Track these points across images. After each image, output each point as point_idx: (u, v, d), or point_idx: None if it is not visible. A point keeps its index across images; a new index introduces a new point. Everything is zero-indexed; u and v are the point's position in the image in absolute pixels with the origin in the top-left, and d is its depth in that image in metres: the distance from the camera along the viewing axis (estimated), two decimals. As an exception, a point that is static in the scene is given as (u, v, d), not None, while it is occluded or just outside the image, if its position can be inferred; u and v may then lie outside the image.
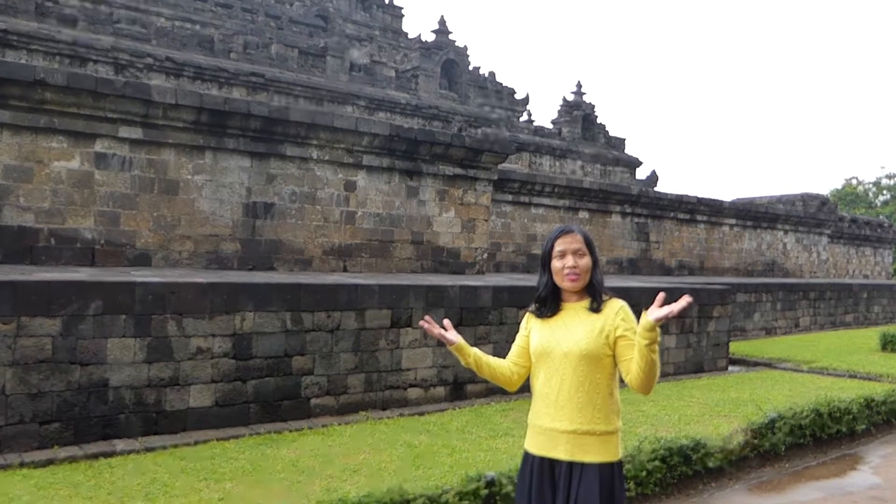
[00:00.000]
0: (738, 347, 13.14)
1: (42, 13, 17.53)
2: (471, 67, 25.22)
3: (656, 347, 2.57)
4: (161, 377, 6.18)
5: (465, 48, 24.71)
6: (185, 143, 9.05)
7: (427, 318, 2.93)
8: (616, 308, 2.78)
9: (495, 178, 12.48)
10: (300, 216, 10.07)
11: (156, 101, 8.60)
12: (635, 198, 17.31)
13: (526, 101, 27.36)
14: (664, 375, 9.78)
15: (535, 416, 2.84)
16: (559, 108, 26.05)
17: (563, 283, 2.81)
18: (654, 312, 2.53)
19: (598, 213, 16.67)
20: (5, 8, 16.91)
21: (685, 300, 2.45)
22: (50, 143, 8.23)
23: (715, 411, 7.59)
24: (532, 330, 2.92)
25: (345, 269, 10.49)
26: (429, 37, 24.96)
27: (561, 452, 2.72)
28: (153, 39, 18.62)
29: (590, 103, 26.16)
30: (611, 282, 10.67)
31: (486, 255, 12.26)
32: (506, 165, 15.26)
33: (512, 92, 26.99)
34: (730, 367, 11.54)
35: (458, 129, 17.65)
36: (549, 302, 2.87)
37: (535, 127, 24.63)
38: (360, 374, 7.39)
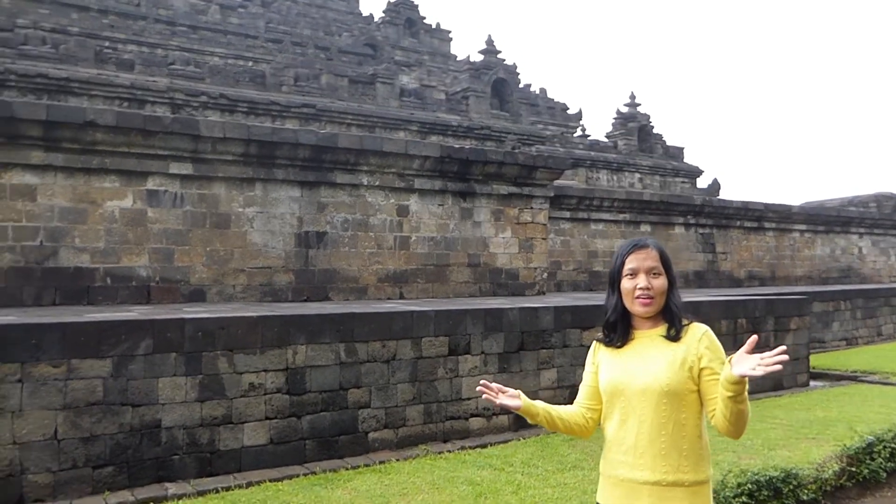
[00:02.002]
0: (817, 360, 12.34)
1: (101, 60, 18.08)
2: (521, 85, 24.95)
3: (743, 398, 2.18)
4: (214, 416, 6.01)
5: (515, 66, 24.44)
6: (235, 175, 9.01)
7: (483, 382, 2.54)
8: (698, 335, 2.38)
9: (551, 194, 12.11)
10: (353, 244, 9.91)
11: (204, 135, 8.59)
12: (698, 208, 16.66)
13: (579, 115, 26.93)
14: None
15: (609, 465, 2.43)
16: (613, 120, 25.50)
17: (634, 307, 2.43)
18: (741, 366, 2.11)
19: (661, 225, 16.08)
20: (66, 57, 17.50)
21: (780, 353, 2.04)
22: (103, 183, 8.28)
23: (801, 433, 7.00)
24: (601, 363, 2.52)
25: (401, 296, 10.26)
26: (477, 57, 24.80)
27: None
28: (207, 78, 18.98)
29: (645, 114, 25.53)
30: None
31: (545, 275, 11.87)
32: (562, 181, 14.89)
33: (564, 107, 26.62)
34: (811, 382, 10.83)
35: (511, 148, 17.39)
36: (619, 328, 2.48)
37: (590, 141, 24.15)
38: (419, 405, 7.10)
